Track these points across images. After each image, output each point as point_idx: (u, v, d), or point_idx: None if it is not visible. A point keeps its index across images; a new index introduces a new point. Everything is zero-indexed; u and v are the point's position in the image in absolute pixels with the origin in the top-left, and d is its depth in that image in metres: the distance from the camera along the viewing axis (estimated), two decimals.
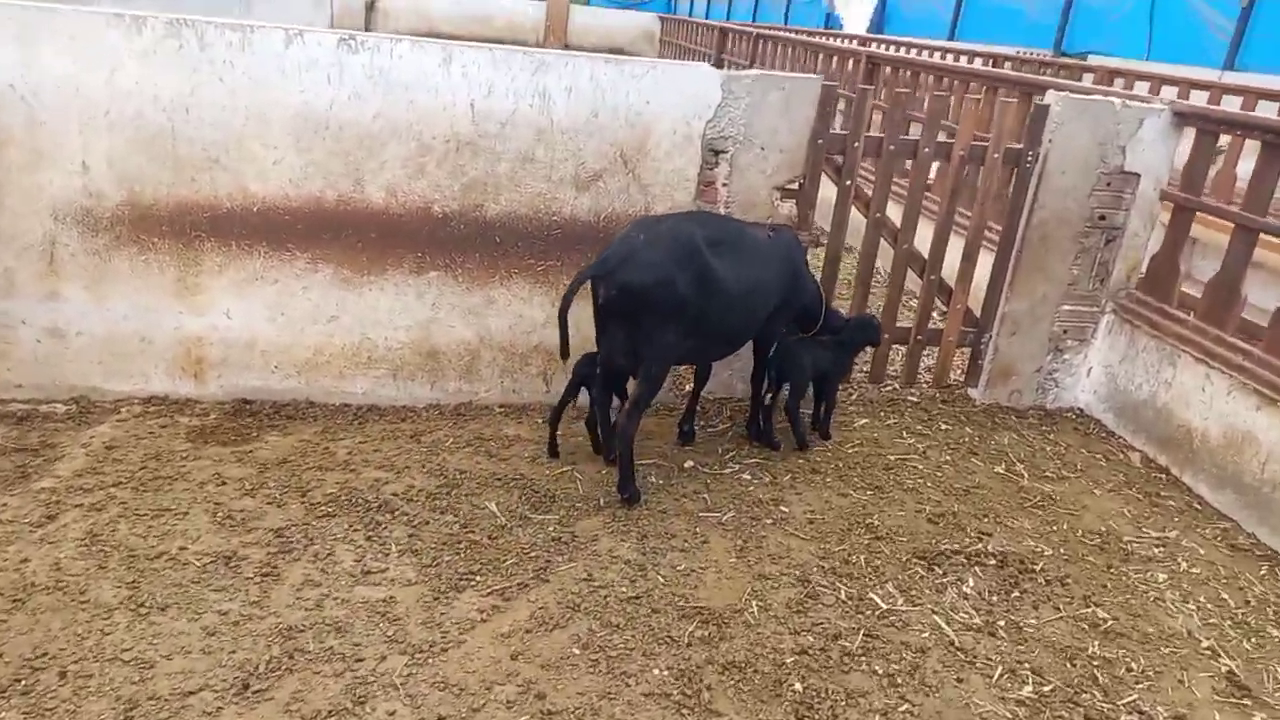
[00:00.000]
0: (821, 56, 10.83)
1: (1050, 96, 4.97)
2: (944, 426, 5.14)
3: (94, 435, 4.27)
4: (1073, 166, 4.99)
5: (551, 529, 3.83)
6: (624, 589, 3.48)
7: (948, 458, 4.76)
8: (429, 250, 4.62)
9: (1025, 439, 5.10)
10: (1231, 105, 9.14)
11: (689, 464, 4.45)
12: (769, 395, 4.64)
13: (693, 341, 3.99)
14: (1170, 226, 5.10)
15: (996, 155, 5.02)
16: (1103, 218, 5.13)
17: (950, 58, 12.05)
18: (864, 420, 5.10)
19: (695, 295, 3.84)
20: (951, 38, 16.97)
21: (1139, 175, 5.04)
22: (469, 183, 4.54)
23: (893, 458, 4.69)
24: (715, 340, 4.18)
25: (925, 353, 5.75)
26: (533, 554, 3.65)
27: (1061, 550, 4.03)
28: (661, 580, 3.55)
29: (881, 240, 5.23)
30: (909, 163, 5.05)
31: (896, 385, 5.60)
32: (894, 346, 5.52)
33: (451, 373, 4.85)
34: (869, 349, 5.21)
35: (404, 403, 4.84)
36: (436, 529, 3.75)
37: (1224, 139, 6.36)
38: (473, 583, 3.44)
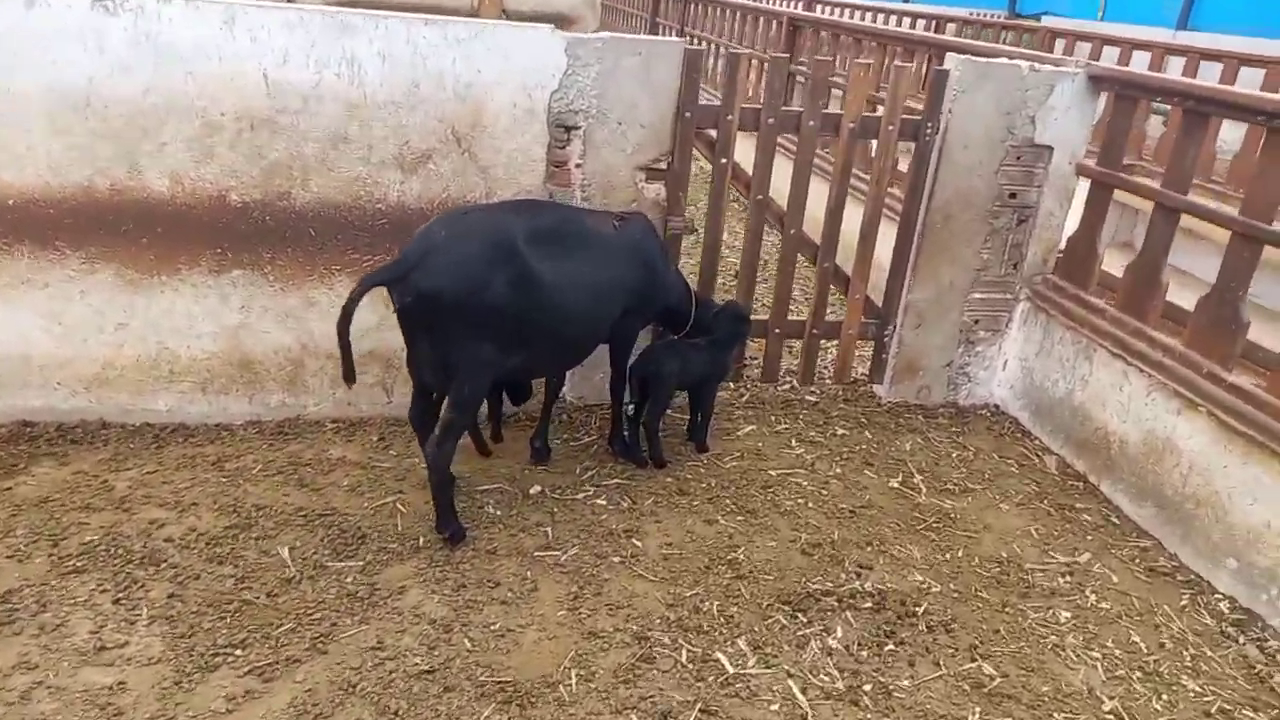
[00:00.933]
0: (749, 19, 10.18)
1: (950, 60, 4.38)
2: (840, 431, 4.58)
3: None
4: (976, 139, 4.41)
5: (350, 580, 3.22)
6: (418, 659, 2.89)
7: (838, 470, 4.21)
8: (229, 246, 3.95)
9: (930, 443, 4.56)
10: (1175, 67, 8.64)
11: (535, 489, 3.86)
12: (631, 405, 4.05)
13: (518, 356, 3.39)
14: (1088, 204, 4.55)
15: (891, 127, 4.43)
16: (1013, 196, 4.57)
17: (884, 20, 11.45)
18: (750, 427, 4.53)
19: (513, 302, 3.23)
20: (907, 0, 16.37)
21: (1051, 148, 4.48)
22: (270, 166, 3.87)
23: (774, 473, 4.13)
24: (548, 353, 3.59)
25: (827, 347, 5.21)
26: (316, 615, 3.04)
27: (952, 585, 3.49)
28: (468, 645, 2.97)
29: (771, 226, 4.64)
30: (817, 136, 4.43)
31: (795, 383, 5.04)
32: (788, 341, 4.95)
33: (272, 384, 4.20)
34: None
35: (218, 420, 4.19)
36: (205, 585, 3.13)
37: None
38: (231, 658, 2.83)
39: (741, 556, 3.52)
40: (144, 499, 3.58)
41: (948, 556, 3.66)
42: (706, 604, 3.24)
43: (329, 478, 3.83)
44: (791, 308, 4.96)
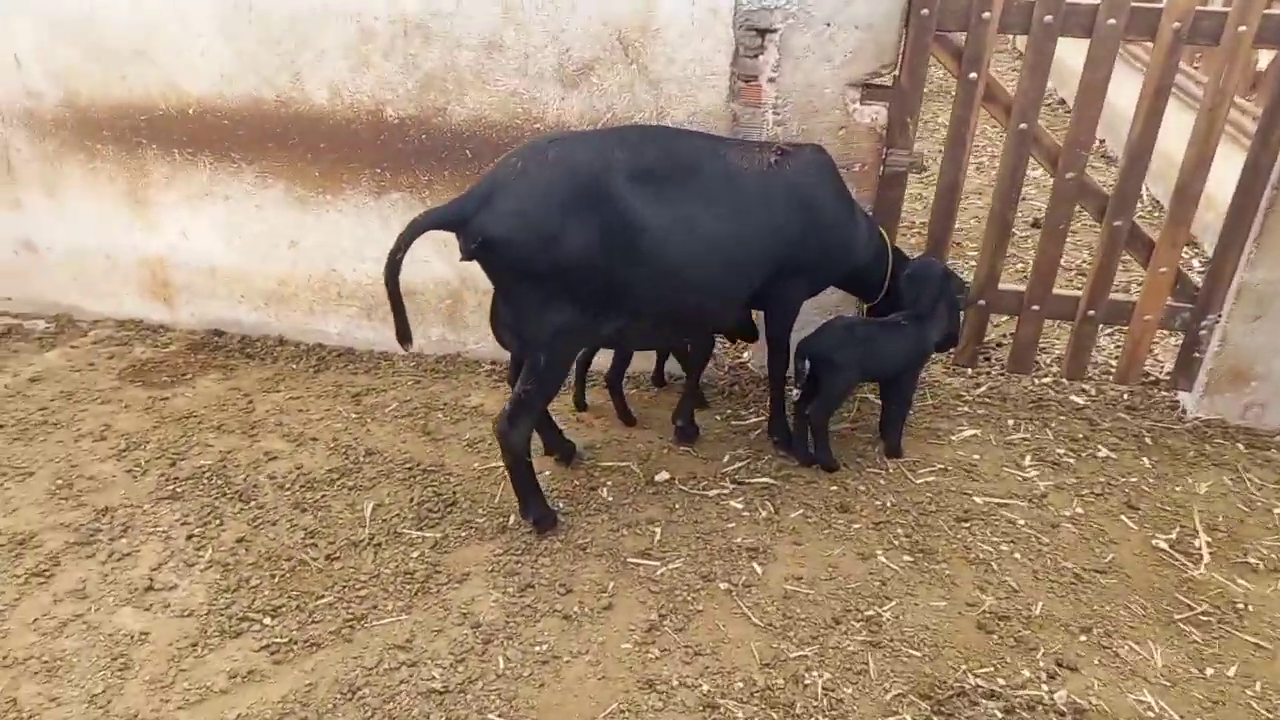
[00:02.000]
0: None
1: None
2: (1104, 453, 3.39)
3: (36, 361, 3.92)
4: None
5: (416, 555, 2.86)
6: (436, 673, 2.44)
7: (1078, 510, 3.09)
8: (388, 165, 3.67)
9: (1242, 487, 3.23)
10: None
11: (663, 476, 3.23)
12: (797, 391, 3.23)
13: (613, 323, 2.74)
14: None
15: (1244, 28, 3.03)
16: None
17: None
18: (971, 431, 3.50)
19: (601, 256, 2.57)
20: None
21: None
22: (424, 79, 3.49)
23: (982, 500, 3.12)
24: (660, 321, 2.88)
25: (1109, 335, 3.92)
26: (362, 592, 2.71)
27: None
28: (500, 666, 2.47)
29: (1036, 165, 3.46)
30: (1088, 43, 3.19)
31: (1054, 376, 3.85)
32: (1051, 323, 3.76)
33: (433, 317, 3.93)
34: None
35: (382, 348, 4.03)
36: (275, 536, 2.93)
37: None
38: (256, 627, 2.59)
39: (888, 615, 2.64)
40: (274, 426, 3.49)
41: (1210, 674, 2.49)
42: (813, 675, 2.45)
43: (455, 427, 3.49)
44: (1061, 279, 3.75)
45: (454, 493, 3.14)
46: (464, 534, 2.96)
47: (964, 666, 2.48)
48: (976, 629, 2.61)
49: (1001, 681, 2.43)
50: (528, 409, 2.77)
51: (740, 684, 2.42)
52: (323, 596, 2.69)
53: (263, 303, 4.05)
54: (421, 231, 2.56)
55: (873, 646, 2.54)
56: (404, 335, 2.70)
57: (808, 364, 3.11)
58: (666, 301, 2.78)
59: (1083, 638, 2.59)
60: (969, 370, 3.85)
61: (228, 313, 4.11)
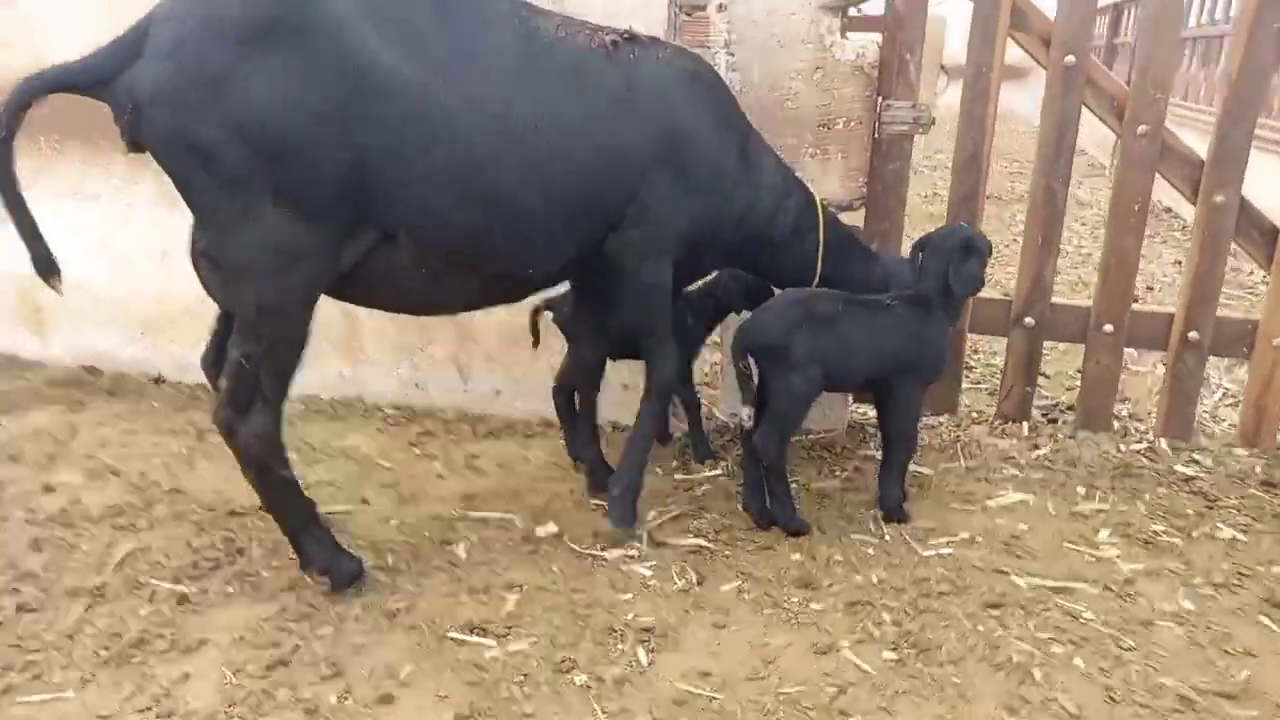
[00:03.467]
0: None
1: None
2: (1225, 534, 2.23)
3: None
4: None
5: (145, 614, 1.93)
6: None
7: (1187, 606, 1.94)
8: None
9: None
10: None
11: (548, 529, 2.24)
12: (749, 414, 2.22)
13: (361, 243, 1.82)
14: None
15: None
16: None
17: None
18: (1018, 496, 2.39)
19: (310, 116, 1.68)
20: None
21: None
22: None
23: (1023, 583, 2.00)
24: (437, 257, 1.90)
25: (1222, 369, 2.82)
26: (34, 656, 1.78)
27: None
28: None
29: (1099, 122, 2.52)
30: None
31: (1152, 441, 2.72)
32: (1133, 354, 2.69)
33: (327, 348, 3.13)
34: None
35: None
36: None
37: None
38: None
39: None
40: (80, 459, 2.68)
41: None
42: None
43: (308, 469, 2.61)
44: (1141, 291, 2.71)
45: (250, 541, 2.22)
46: (233, 590, 2.02)
47: None
48: None
49: None
50: (253, 388, 1.84)
51: None
52: None
53: (139, 332, 3.35)
54: (35, 94, 1.66)
55: None
56: (44, 264, 1.77)
57: (751, 362, 2.13)
58: (435, 216, 1.83)
59: None
60: (1022, 427, 2.77)
61: (101, 343, 3.41)
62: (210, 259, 1.85)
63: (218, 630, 1.88)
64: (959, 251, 2.18)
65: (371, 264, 1.85)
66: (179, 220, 2.08)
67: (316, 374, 3.14)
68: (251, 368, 1.82)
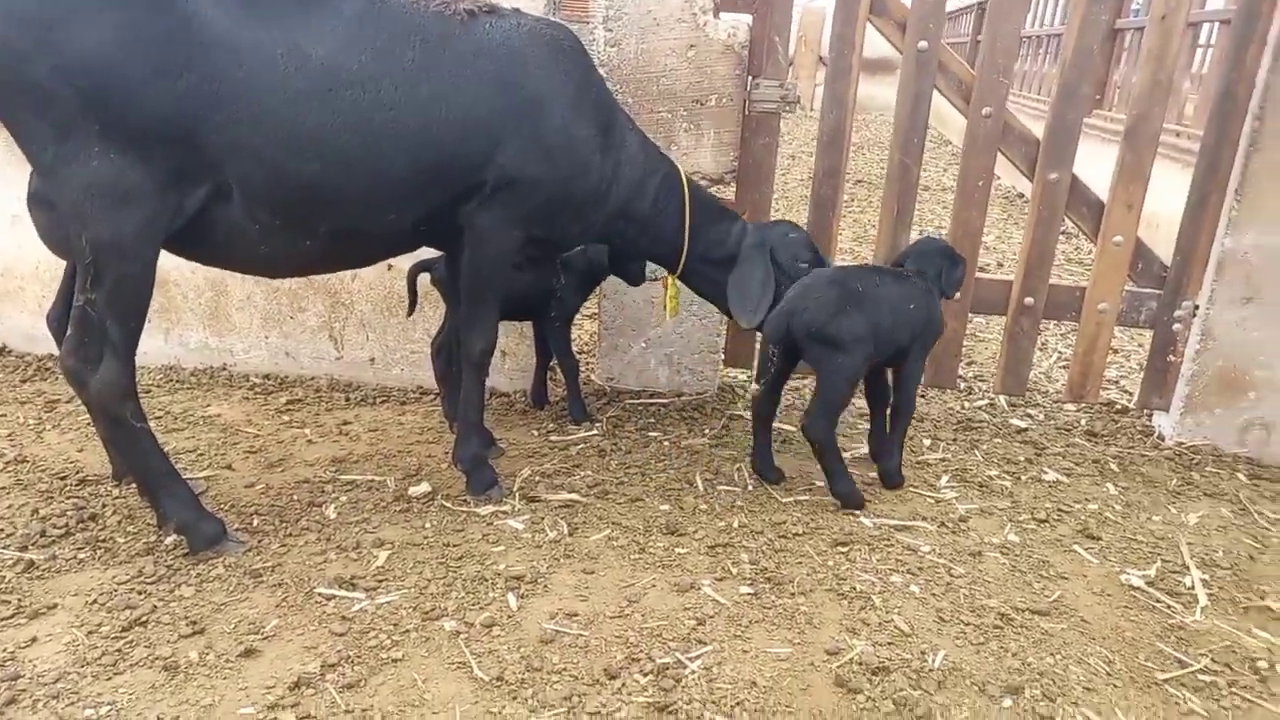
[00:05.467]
0: None
1: None
2: (1050, 476, 2.44)
3: None
4: None
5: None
6: None
7: (1012, 538, 2.11)
8: None
9: (1250, 520, 2.28)
10: None
11: (421, 489, 2.26)
12: (756, 386, 2.30)
13: (198, 191, 1.80)
14: None
15: None
16: None
17: None
18: (866, 448, 2.55)
19: (137, 64, 1.67)
20: None
21: None
22: None
23: (869, 523, 2.15)
24: (279, 210, 1.89)
25: (1055, 332, 3.06)
26: None
27: None
28: None
29: (942, 98, 2.70)
30: None
31: (993, 397, 2.94)
32: (975, 318, 2.90)
33: (190, 317, 3.03)
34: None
35: (143, 360, 3.10)
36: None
37: None
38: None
39: (696, 666, 1.63)
40: None
41: None
42: None
43: (165, 437, 2.54)
44: (984, 257, 2.92)
45: (104, 508, 2.15)
46: (84, 556, 1.96)
47: None
48: (835, 686, 1.59)
49: None
50: (100, 338, 1.81)
51: None
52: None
53: None
54: None
55: (658, 711, 1.52)
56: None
57: (783, 349, 2.18)
58: (263, 169, 1.82)
59: (1007, 702, 1.57)
60: None
61: None
62: (47, 203, 1.80)
63: (68, 594, 1.82)
64: (947, 260, 2.31)
65: (209, 218, 1.83)
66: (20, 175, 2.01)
67: (178, 343, 3.07)
68: (96, 315, 1.78)
